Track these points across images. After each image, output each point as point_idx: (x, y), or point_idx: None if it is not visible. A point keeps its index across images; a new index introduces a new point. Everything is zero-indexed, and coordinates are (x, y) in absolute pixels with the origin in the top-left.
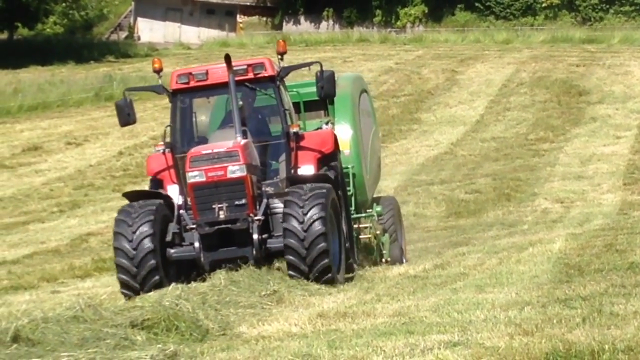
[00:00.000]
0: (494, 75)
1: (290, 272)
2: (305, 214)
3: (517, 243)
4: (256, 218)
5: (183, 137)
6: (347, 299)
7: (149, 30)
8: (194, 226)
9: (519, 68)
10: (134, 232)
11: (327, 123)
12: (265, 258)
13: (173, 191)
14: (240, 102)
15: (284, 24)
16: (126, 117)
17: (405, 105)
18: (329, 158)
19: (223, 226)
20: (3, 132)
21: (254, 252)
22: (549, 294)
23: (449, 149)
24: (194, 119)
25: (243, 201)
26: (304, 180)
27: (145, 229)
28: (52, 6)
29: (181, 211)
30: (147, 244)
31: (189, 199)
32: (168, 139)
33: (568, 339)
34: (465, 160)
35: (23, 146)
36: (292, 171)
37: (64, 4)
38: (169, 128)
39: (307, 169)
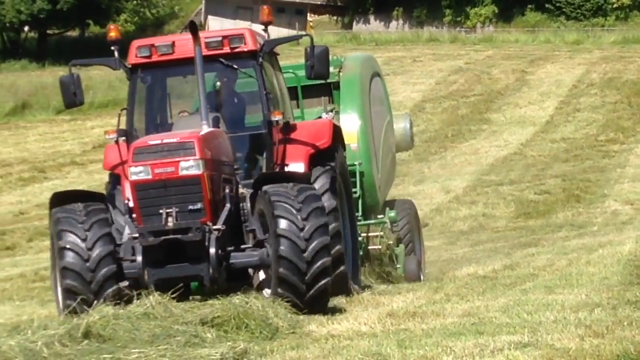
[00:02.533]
0: (564, 76)
1: (280, 291)
2: (305, 219)
3: (586, 244)
4: (215, 227)
5: (144, 123)
6: (416, 299)
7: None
8: (136, 235)
9: (589, 69)
10: (87, 230)
11: (330, 111)
12: (228, 278)
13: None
14: (218, 83)
15: (354, 23)
16: (71, 96)
17: (474, 105)
18: (324, 155)
19: (171, 237)
20: (74, 128)
21: (210, 270)
22: (619, 295)
23: (519, 149)
24: (155, 102)
25: (198, 205)
26: (281, 179)
27: (101, 226)
28: (123, 4)
29: (125, 217)
30: (106, 243)
31: (130, 202)
32: (123, 126)
33: (639, 341)
34: (534, 160)
35: (94, 143)
36: (277, 169)
37: (135, 2)
38: (124, 112)
39: (295, 168)
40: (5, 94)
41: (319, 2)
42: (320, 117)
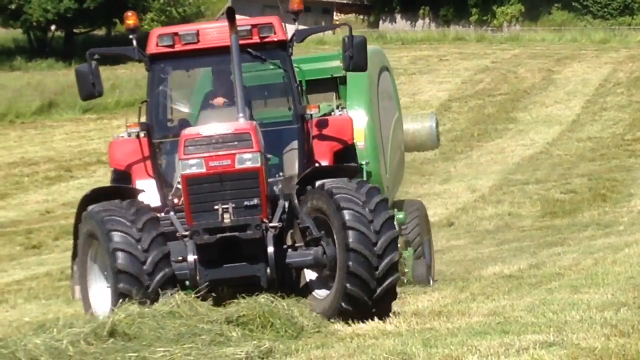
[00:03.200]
0: (590, 75)
1: (349, 288)
2: (373, 211)
3: (613, 244)
4: (272, 225)
5: (165, 116)
6: (441, 298)
7: None
8: (187, 234)
9: (616, 68)
10: (140, 230)
11: (337, 107)
12: (282, 279)
13: (146, 188)
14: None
15: (380, 22)
16: (89, 87)
17: (501, 104)
18: (348, 153)
19: (228, 234)
20: (100, 127)
21: (268, 270)
22: None
23: (545, 148)
24: (176, 94)
25: (254, 201)
26: (334, 173)
27: (153, 225)
28: (150, 3)
29: (171, 214)
30: (162, 244)
31: (176, 199)
32: (143, 119)
33: None
34: (561, 160)
35: None
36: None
37: (161, 1)
38: (144, 105)
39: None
40: (32, 92)
41: (345, 1)
42: (328, 114)
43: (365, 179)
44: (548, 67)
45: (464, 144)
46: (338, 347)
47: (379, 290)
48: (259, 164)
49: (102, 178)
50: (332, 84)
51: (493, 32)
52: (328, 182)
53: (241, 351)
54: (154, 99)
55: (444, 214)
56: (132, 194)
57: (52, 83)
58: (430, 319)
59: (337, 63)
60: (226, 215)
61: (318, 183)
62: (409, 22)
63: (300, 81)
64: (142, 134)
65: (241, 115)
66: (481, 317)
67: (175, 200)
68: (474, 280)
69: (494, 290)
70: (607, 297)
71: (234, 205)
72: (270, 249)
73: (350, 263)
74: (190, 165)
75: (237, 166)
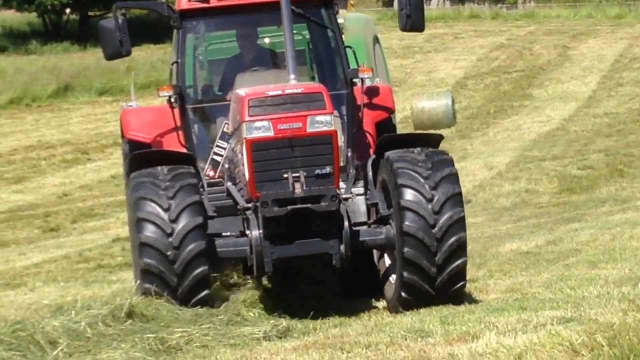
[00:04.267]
0: (606, 51)
1: (406, 276)
2: (434, 188)
3: (630, 219)
4: (344, 196)
5: (197, 81)
6: None
7: None
8: (250, 206)
9: (631, 43)
10: (171, 198)
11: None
12: (352, 258)
13: None
14: (267, 39)
15: (395, 0)
16: (116, 45)
17: (516, 81)
18: (388, 124)
19: (299, 206)
20: (116, 110)
21: (342, 248)
22: None
23: (561, 124)
24: (210, 56)
25: (327, 169)
26: (408, 142)
27: (188, 194)
28: None
29: (228, 184)
30: (194, 215)
31: (211, 171)
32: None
33: None
34: (577, 136)
35: None
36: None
37: None
38: (174, 67)
39: None
40: (48, 76)
41: None
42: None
43: None
44: (563, 44)
45: (480, 122)
46: (356, 326)
47: (440, 278)
48: (332, 127)
49: (119, 160)
50: None
51: (508, 9)
52: (395, 153)
53: (259, 330)
54: (185, 60)
55: None
56: (188, 159)
57: (67, 66)
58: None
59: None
60: (297, 185)
61: (386, 154)
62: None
63: (303, 50)
64: (173, 99)
65: (292, 77)
66: (499, 294)
67: (211, 173)
68: (491, 257)
69: (512, 267)
70: (624, 273)
71: (305, 173)
72: (346, 224)
73: (405, 249)
74: (256, 128)
75: (309, 129)
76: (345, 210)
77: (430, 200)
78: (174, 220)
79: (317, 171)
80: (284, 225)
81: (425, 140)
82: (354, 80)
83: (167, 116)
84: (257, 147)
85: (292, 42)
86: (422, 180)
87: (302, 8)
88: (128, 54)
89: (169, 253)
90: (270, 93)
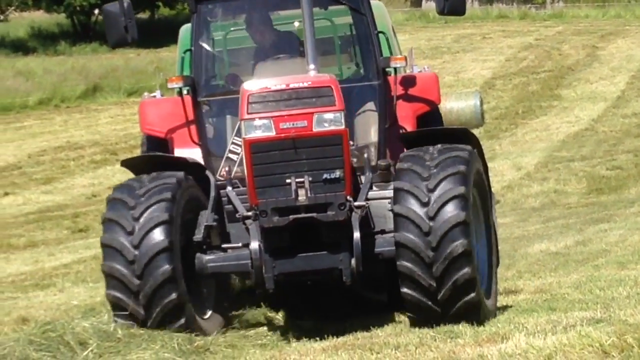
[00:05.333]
0: (635, 51)
1: (405, 291)
2: (432, 190)
3: None
4: (357, 204)
5: (212, 70)
6: None
7: None
8: (250, 214)
9: None
10: (137, 219)
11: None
12: (366, 273)
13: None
14: (296, 23)
15: (424, 1)
16: (121, 31)
17: (545, 81)
18: (432, 117)
19: (303, 215)
20: None
21: (353, 262)
22: None
23: (590, 125)
24: (229, 44)
25: (337, 174)
26: (431, 135)
27: (157, 213)
28: None
29: (228, 189)
30: (159, 237)
31: (237, 169)
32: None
33: None
34: (606, 136)
35: None
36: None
37: None
38: (187, 55)
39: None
40: (77, 77)
41: None
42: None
43: None
44: (592, 44)
45: (508, 122)
46: (385, 326)
47: (442, 293)
48: (342, 126)
49: None
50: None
51: (536, 9)
52: (408, 153)
53: (286, 331)
54: (199, 48)
55: None
56: (182, 165)
57: (96, 67)
58: None
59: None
60: (301, 192)
61: (402, 154)
62: None
63: (331, 37)
64: (185, 91)
65: (312, 67)
66: (528, 295)
67: (224, 173)
68: (520, 258)
69: (541, 267)
70: None
71: (310, 178)
72: (357, 235)
73: (399, 262)
74: (256, 127)
75: (316, 128)
76: (357, 219)
77: (425, 204)
78: (137, 246)
79: (325, 176)
80: (287, 236)
81: (453, 134)
82: (387, 70)
83: (188, 108)
84: (257, 149)
85: (312, 27)
86: (420, 181)
87: None
88: (134, 40)
89: (132, 284)
90: (273, 87)
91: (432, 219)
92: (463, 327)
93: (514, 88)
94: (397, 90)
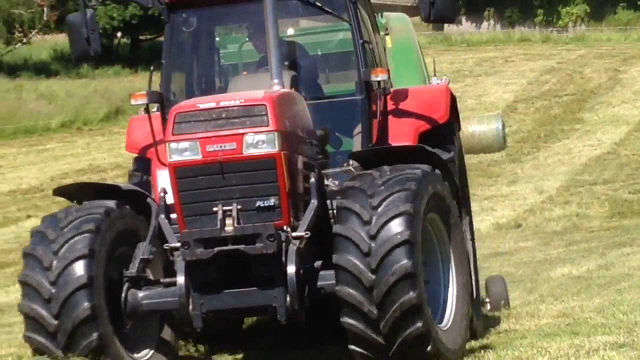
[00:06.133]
0: None
1: (344, 320)
2: (376, 208)
3: None
4: (295, 234)
5: (185, 84)
6: (510, 300)
7: None
8: (177, 246)
9: None
10: (56, 253)
11: (435, 75)
12: (315, 310)
13: (164, 179)
14: (291, 30)
15: (445, 24)
16: (83, 43)
17: (567, 105)
18: (441, 133)
19: (230, 247)
20: None
21: (287, 299)
22: None
23: (612, 148)
24: (203, 55)
25: (271, 201)
26: (385, 154)
27: (78, 246)
28: None
29: (160, 217)
30: (79, 272)
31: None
32: (156, 88)
33: None
34: (628, 159)
35: None
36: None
37: None
38: (159, 68)
39: None
40: (99, 100)
41: (409, 4)
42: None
43: None
44: (614, 67)
45: (530, 145)
46: None
47: (385, 320)
48: (276, 149)
49: None
50: None
51: (558, 32)
52: (360, 174)
53: None
54: (171, 60)
55: (511, 216)
56: (118, 191)
57: (118, 90)
58: (499, 322)
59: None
60: (228, 221)
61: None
62: (474, 24)
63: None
64: (152, 108)
65: (276, 81)
66: (550, 319)
67: (168, 199)
68: (542, 282)
69: (563, 291)
70: None
71: (240, 206)
72: (291, 269)
73: (337, 287)
74: (181, 149)
75: (246, 151)
76: (294, 252)
77: (367, 223)
78: (54, 282)
79: (259, 203)
80: (215, 270)
81: (412, 154)
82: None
83: (156, 126)
84: (182, 174)
85: (276, 37)
86: (364, 199)
87: None
88: (97, 54)
89: (50, 324)
90: (201, 106)
91: (373, 238)
92: (485, 352)
93: (536, 111)
94: (388, 105)
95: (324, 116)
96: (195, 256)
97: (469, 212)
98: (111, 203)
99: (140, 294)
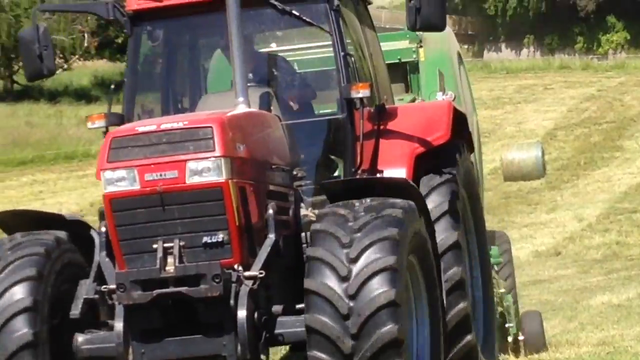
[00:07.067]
0: None
1: (314, 355)
2: (354, 260)
3: None
4: (248, 274)
5: (151, 105)
6: (550, 328)
7: None
8: (114, 288)
9: None
10: None
11: (441, 91)
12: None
13: None
14: (274, 45)
15: (485, 51)
16: (35, 61)
17: (607, 132)
18: (440, 157)
19: (171, 290)
20: None
21: (238, 347)
22: None
23: None
24: (170, 71)
25: (219, 236)
26: (357, 187)
27: (18, 296)
28: None
29: (101, 254)
30: (21, 329)
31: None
32: (116, 108)
33: None
34: None
35: None
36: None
37: None
38: (121, 88)
39: (392, 175)
40: None
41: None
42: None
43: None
44: None
45: (570, 173)
46: None
47: (361, 353)
48: (222, 177)
49: None
50: (400, 72)
51: (598, 60)
52: (330, 208)
53: None
54: (135, 78)
55: (551, 243)
56: (60, 220)
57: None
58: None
59: (407, 43)
60: (169, 259)
61: (321, 211)
62: (513, 51)
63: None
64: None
65: (241, 100)
66: (590, 347)
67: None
68: (582, 310)
69: (603, 319)
70: None
71: (183, 242)
72: (242, 314)
73: (310, 351)
74: (117, 179)
75: (190, 180)
76: (246, 294)
77: (345, 279)
78: None
79: (205, 239)
80: (157, 315)
81: (386, 185)
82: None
83: None
84: (119, 206)
85: (241, 52)
86: (339, 248)
87: (295, 5)
88: (51, 73)
89: None
90: (140, 129)
91: (352, 298)
92: None
93: (576, 139)
94: (366, 125)
95: (309, 138)
96: (133, 300)
97: (482, 240)
98: (50, 238)
99: (80, 337)
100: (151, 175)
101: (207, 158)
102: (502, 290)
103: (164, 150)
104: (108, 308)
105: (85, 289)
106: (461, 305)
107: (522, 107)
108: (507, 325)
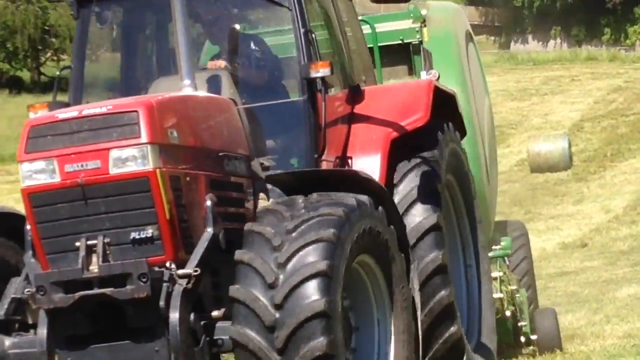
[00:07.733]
0: None
1: None
2: (283, 265)
3: None
4: (182, 272)
5: (98, 90)
6: (575, 320)
7: None
8: (35, 290)
9: None
10: None
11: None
12: None
13: None
14: (237, 25)
15: (512, 43)
16: None
17: (634, 124)
18: (423, 140)
19: (95, 291)
20: None
21: (171, 354)
22: None
23: None
24: (122, 55)
25: (148, 231)
26: (308, 179)
27: None
28: None
29: (27, 254)
30: None
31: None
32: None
33: None
34: None
35: None
36: (323, 165)
37: None
38: (66, 72)
39: (365, 164)
40: None
41: (476, 22)
42: None
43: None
44: None
45: (597, 164)
46: None
47: None
48: (149, 166)
49: None
50: (403, 54)
51: (626, 51)
52: (274, 205)
53: None
54: (80, 64)
55: (577, 235)
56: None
57: None
58: (564, 341)
59: (410, 23)
60: (93, 258)
61: (263, 206)
62: (540, 43)
63: (371, 47)
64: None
65: (187, 82)
66: (616, 340)
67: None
68: (608, 302)
69: (629, 312)
70: None
71: (108, 239)
72: (174, 316)
73: (233, 325)
74: (35, 171)
75: (113, 170)
76: (179, 294)
77: (271, 286)
78: None
79: (134, 235)
80: (83, 320)
81: (338, 177)
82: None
83: None
84: (38, 201)
85: (186, 32)
86: (269, 251)
87: None
88: None
89: None
90: (61, 116)
91: (279, 308)
92: None
93: (603, 130)
94: (331, 107)
95: (278, 125)
96: (54, 303)
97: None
98: None
99: (8, 341)
100: (72, 166)
101: (131, 145)
102: (514, 287)
103: (85, 139)
104: (35, 310)
105: (14, 287)
106: (442, 293)
107: (549, 98)
108: (519, 324)
